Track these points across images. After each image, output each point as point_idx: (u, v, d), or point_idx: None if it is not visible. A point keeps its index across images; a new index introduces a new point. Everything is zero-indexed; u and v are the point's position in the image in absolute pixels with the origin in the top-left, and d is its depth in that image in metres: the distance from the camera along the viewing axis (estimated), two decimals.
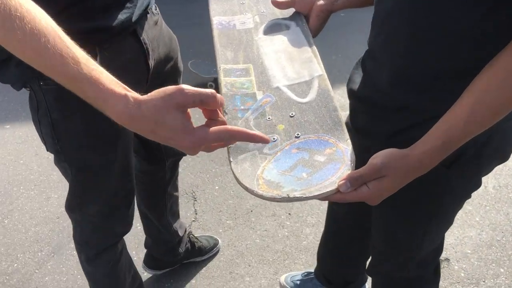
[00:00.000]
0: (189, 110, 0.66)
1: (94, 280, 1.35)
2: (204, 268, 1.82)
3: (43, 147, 1.11)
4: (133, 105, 0.63)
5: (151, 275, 1.80)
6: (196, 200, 2.19)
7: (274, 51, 0.96)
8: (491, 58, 0.69)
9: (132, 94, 0.65)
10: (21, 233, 2.05)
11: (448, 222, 1.04)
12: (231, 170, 0.74)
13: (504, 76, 0.66)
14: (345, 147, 0.74)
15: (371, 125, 0.94)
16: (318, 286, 1.61)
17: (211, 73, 3.21)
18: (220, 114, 0.70)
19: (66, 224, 2.05)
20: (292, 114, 0.82)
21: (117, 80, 0.65)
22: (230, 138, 0.68)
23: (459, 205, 1.00)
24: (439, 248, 1.14)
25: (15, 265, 1.89)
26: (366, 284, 1.63)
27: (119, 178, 1.15)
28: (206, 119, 0.70)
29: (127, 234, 1.95)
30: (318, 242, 1.90)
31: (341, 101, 2.89)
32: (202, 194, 2.22)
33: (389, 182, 0.71)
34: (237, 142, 0.76)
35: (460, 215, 2.01)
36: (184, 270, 1.81)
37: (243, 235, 1.97)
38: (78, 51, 0.65)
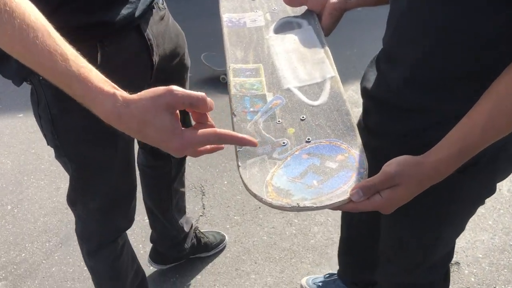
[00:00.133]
0: (178, 111, 0.65)
1: (96, 273, 1.35)
2: (210, 264, 1.81)
3: None
4: (121, 104, 0.62)
5: (156, 270, 1.79)
6: (204, 195, 2.18)
7: (285, 51, 0.94)
8: (510, 61, 0.66)
9: (121, 93, 0.64)
10: (30, 223, 2.06)
11: (460, 228, 1.01)
12: (239, 175, 0.72)
13: None
14: (358, 154, 0.72)
15: (383, 126, 0.92)
16: (342, 287, 1.59)
17: (224, 66, 3.18)
18: (209, 118, 0.70)
19: None
20: (303, 117, 0.79)
21: (106, 79, 0.64)
22: (218, 141, 0.67)
23: (472, 211, 0.97)
24: (450, 254, 1.11)
25: (23, 254, 1.90)
26: None
27: (120, 174, 1.14)
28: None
29: (134, 228, 1.96)
30: (326, 241, 1.89)
31: (355, 97, 2.85)
32: (211, 188, 2.21)
33: (403, 191, 0.69)
34: (245, 146, 0.74)
35: (472, 218, 1.95)
36: (189, 265, 1.80)
37: (250, 231, 1.96)
38: (67, 47, 0.63)
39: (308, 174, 0.70)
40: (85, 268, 1.79)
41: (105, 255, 1.27)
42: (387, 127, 0.90)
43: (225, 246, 1.88)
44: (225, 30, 1.00)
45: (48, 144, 1.06)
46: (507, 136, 0.69)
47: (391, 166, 0.69)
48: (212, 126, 0.69)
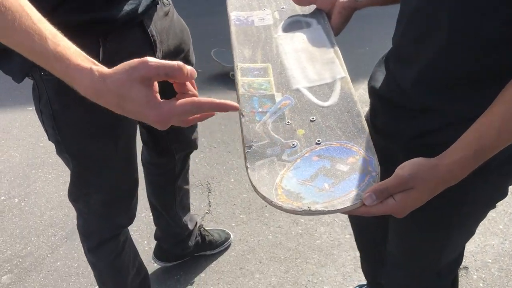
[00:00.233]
0: (156, 83, 0.65)
1: (97, 270, 1.35)
2: (214, 262, 1.80)
3: None
4: (98, 79, 0.62)
5: (160, 267, 1.79)
6: (210, 192, 2.17)
7: (294, 50, 0.92)
8: None
9: (98, 67, 0.63)
10: (36, 216, 2.06)
11: (470, 233, 0.99)
12: (248, 177, 0.71)
13: None
14: (370, 156, 0.71)
15: (391, 126, 0.89)
16: None
17: (233, 63, 3.17)
18: (191, 87, 0.68)
19: None
20: (313, 118, 0.78)
21: (84, 54, 0.64)
22: (198, 110, 0.66)
23: (482, 215, 0.95)
24: (459, 259, 1.09)
25: (29, 248, 1.90)
26: None
27: (121, 170, 1.14)
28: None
29: (139, 224, 1.96)
30: (332, 242, 1.87)
31: (366, 96, 2.81)
32: (217, 186, 2.20)
33: (417, 194, 0.67)
34: (254, 147, 0.73)
35: (482, 222, 1.91)
36: (194, 263, 1.79)
37: (255, 230, 1.94)
38: (45, 26, 0.63)
39: (319, 177, 0.69)
40: None
41: (106, 251, 1.27)
42: (395, 127, 0.88)
43: (230, 245, 1.87)
44: (233, 29, 0.98)
45: (49, 140, 1.05)
46: None
47: (404, 169, 0.67)
48: (195, 95, 0.67)
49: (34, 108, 1.02)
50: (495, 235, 1.89)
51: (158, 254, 1.74)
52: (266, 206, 2.06)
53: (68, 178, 1.14)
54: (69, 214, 2.06)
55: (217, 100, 0.66)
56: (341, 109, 0.79)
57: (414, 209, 0.69)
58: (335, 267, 1.76)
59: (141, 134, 1.38)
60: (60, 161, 1.13)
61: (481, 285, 1.69)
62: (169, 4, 1.11)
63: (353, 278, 1.72)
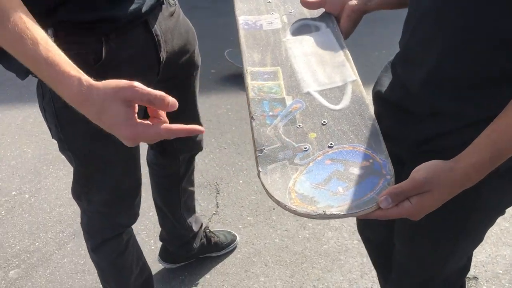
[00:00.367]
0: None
1: (100, 269, 1.36)
2: (220, 263, 1.79)
3: None
4: (86, 89, 0.66)
5: (165, 267, 1.78)
6: (218, 193, 2.16)
7: (304, 54, 0.92)
8: None
9: (86, 78, 0.67)
10: (45, 212, 2.08)
11: (478, 239, 0.96)
12: (260, 181, 0.71)
13: None
14: (383, 160, 0.70)
15: (395, 130, 0.88)
16: None
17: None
18: (164, 115, 0.74)
19: None
20: (324, 121, 0.78)
21: (72, 63, 0.68)
22: (169, 135, 0.72)
23: (491, 222, 0.93)
24: (466, 267, 1.06)
25: (37, 243, 1.92)
26: None
27: (123, 170, 1.14)
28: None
29: (147, 223, 1.96)
30: (339, 247, 1.85)
31: None
32: (226, 187, 2.19)
33: (433, 197, 0.67)
34: (265, 151, 0.74)
35: (494, 231, 1.89)
36: (199, 264, 1.78)
37: (262, 233, 1.93)
38: (38, 32, 0.66)
39: (332, 180, 0.69)
40: None
41: (109, 250, 1.27)
42: (399, 131, 0.87)
43: (236, 247, 1.86)
44: (241, 33, 0.99)
45: (52, 137, 1.06)
46: None
47: (420, 172, 0.67)
48: (165, 122, 0.73)
49: None
50: (507, 245, 1.85)
51: (164, 255, 1.74)
52: (274, 209, 2.05)
53: None
54: (77, 211, 2.04)
55: (187, 126, 0.73)
56: (353, 112, 0.79)
57: (429, 212, 0.69)
58: (341, 273, 1.74)
59: None
60: None
61: None
62: (175, 5, 1.11)
63: (360, 285, 1.69)
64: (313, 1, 1.01)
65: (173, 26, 1.08)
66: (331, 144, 0.74)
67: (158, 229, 1.89)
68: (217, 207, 2.08)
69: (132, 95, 0.67)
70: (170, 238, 1.66)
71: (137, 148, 1.15)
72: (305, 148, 0.74)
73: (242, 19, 1.02)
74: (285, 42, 0.95)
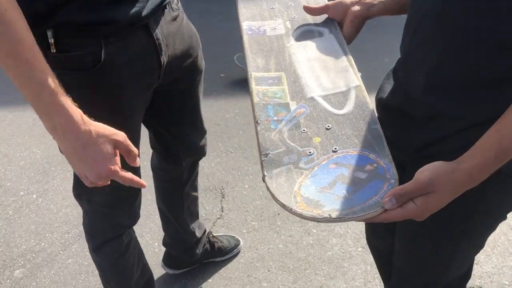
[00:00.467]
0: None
1: (101, 269, 1.36)
2: (222, 268, 1.79)
3: None
4: (86, 121, 0.81)
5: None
6: (224, 197, 2.16)
7: (307, 59, 0.93)
8: None
9: (82, 113, 0.82)
10: (52, 213, 2.10)
11: (479, 245, 0.96)
12: (266, 185, 0.72)
13: None
14: (387, 164, 0.71)
15: (398, 136, 0.88)
16: None
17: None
18: (137, 161, 0.90)
19: None
20: (329, 126, 0.79)
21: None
22: (130, 184, 0.89)
23: (492, 227, 0.93)
24: (467, 275, 1.05)
25: (42, 244, 1.94)
26: None
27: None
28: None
29: (151, 225, 1.97)
30: (343, 254, 1.83)
31: None
32: (231, 191, 2.19)
33: (437, 198, 0.68)
34: (270, 155, 0.75)
35: (501, 241, 1.87)
36: (202, 268, 1.78)
37: (266, 238, 1.92)
38: (47, 66, 0.77)
39: (337, 184, 0.70)
40: None
41: (110, 250, 1.28)
42: (402, 137, 0.87)
43: (239, 251, 1.85)
44: (245, 38, 1.00)
45: (53, 138, 1.06)
46: None
47: (424, 173, 0.68)
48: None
49: None
50: None
51: (167, 261, 1.73)
52: (278, 214, 2.04)
53: None
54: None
55: (141, 181, 0.90)
56: (356, 117, 0.80)
57: (433, 212, 0.70)
58: (344, 280, 1.72)
59: (150, 140, 1.39)
60: None
61: None
62: (178, 10, 1.11)
63: None
64: (316, 8, 1.02)
65: (176, 30, 1.09)
66: (335, 148, 0.75)
67: (162, 232, 1.90)
68: (222, 211, 2.08)
69: (122, 143, 0.84)
70: (173, 243, 1.66)
71: (137, 147, 1.15)
72: (310, 152, 0.75)
73: (246, 24, 1.03)
74: (288, 47, 0.96)
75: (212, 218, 2.04)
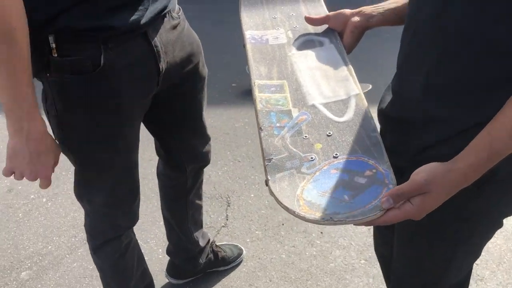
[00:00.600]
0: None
1: (102, 271, 1.39)
2: (225, 277, 1.80)
3: None
4: (47, 132, 0.98)
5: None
6: (229, 206, 2.17)
7: (309, 68, 0.95)
8: None
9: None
10: (61, 217, 2.14)
11: (475, 252, 0.96)
12: (269, 189, 0.74)
13: None
14: (385, 170, 0.74)
15: (398, 144, 0.89)
16: None
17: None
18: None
19: None
20: (330, 133, 0.81)
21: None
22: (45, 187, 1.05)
23: (488, 234, 0.93)
24: (465, 283, 1.05)
25: (49, 247, 1.97)
26: None
27: (121, 173, 1.17)
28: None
29: (156, 232, 1.99)
30: (346, 266, 1.83)
31: None
32: (237, 200, 2.20)
33: (433, 198, 0.70)
34: (273, 160, 0.77)
35: (508, 258, 1.84)
36: (204, 277, 1.79)
37: (269, 248, 1.93)
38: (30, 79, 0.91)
39: (338, 188, 0.72)
40: None
41: (110, 250, 1.31)
42: (402, 144, 0.88)
43: (242, 260, 1.86)
44: (249, 47, 1.02)
45: (55, 139, 1.10)
46: None
47: (420, 174, 0.70)
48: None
49: None
50: None
51: (171, 271, 1.75)
52: (283, 224, 2.05)
53: None
54: None
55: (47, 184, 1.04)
56: (356, 125, 0.82)
57: (430, 211, 0.72)
58: None
59: (155, 146, 1.42)
60: None
61: None
62: (179, 18, 1.15)
63: None
64: (317, 18, 1.04)
65: (175, 38, 1.12)
66: (336, 154, 0.77)
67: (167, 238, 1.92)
68: (227, 219, 2.09)
69: (57, 159, 1.02)
70: (176, 252, 1.67)
71: (135, 152, 1.19)
72: (312, 158, 0.77)
73: (248, 33, 1.06)
74: (290, 56, 0.98)
75: (217, 226, 2.05)
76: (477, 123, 0.71)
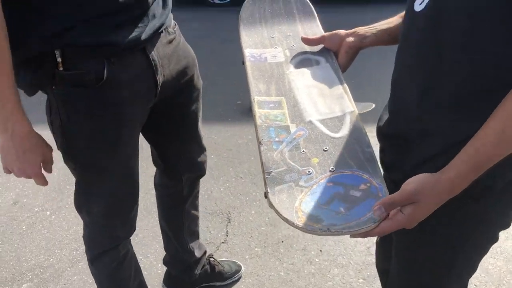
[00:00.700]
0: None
1: (99, 282, 1.41)
2: None
3: None
4: (33, 131, 1.03)
5: None
6: (229, 222, 2.19)
7: (305, 86, 0.99)
8: None
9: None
10: (63, 230, 2.17)
11: (472, 267, 0.97)
12: (269, 201, 0.78)
13: None
14: (379, 184, 0.78)
15: (397, 159, 0.91)
16: None
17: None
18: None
19: None
20: (326, 148, 0.85)
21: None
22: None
23: (484, 248, 0.94)
24: None
25: (51, 259, 2.00)
26: None
27: (120, 183, 1.21)
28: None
29: (157, 246, 2.01)
30: (344, 285, 1.83)
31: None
32: (237, 216, 2.22)
33: (423, 207, 0.74)
34: (273, 173, 0.81)
35: (507, 280, 1.83)
36: None
37: (268, 265, 1.94)
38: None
39: (335, 201, 0.76)
40: None
41: (106, 261, 1.33)
42: (399, 161, 0.90)
43: (240, 277, 1.87)
44: (248, 64, 1.06)
45: (58, 149, 1.14)
46: None
47: (410, 185, 0.74)
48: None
49: None
50: None
51: (168, 281, 1.77)
52: (282, 241, 2.05)
53: None
54: None
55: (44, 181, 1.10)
56: (351, 140, 0.86)
57: (421, 220, 0.75)
58: None
59: (152, 156, 1.45)
60: None
61: None
62: (175, 33, 1.21)
63: None
64: (313, 39, 1.08)
65: (171, 52, 1.19)
66: (332, 168, 0.81)
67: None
68: (227, 235, 2.11)
69: (47, 156, 1.06)
70: (172, 261, 1.69)
71: (135, 161, 1.23)
72: (309, 171, 0.81)
73: (248, 52, 1.10)
74: (288, 74, 1.02)
75: (217, 242, 2.07)
76: (470, 136, 0.73)
